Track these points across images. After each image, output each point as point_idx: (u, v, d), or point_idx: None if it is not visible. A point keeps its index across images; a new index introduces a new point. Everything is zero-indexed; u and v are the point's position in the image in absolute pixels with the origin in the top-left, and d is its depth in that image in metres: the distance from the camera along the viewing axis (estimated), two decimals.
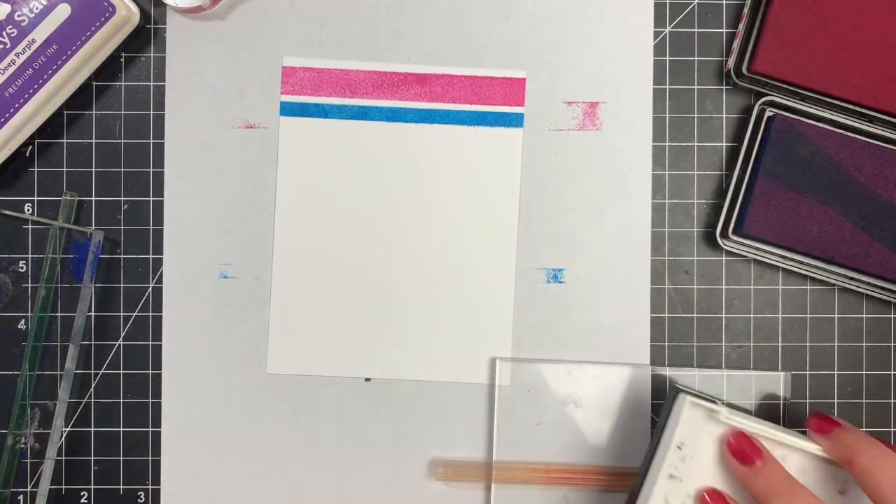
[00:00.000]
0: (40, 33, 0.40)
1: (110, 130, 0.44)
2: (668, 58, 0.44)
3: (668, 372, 0.43)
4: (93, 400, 0.43)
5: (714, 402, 0.37)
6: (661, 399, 0.43)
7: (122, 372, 0.43)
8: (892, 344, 0.44)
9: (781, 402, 0.43)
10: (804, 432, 0.38)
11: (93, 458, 0.43)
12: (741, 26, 0.43)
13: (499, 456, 0.43)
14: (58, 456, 0.43)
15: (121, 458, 0.43)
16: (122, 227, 0.43)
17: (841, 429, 0.37)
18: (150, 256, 0.43)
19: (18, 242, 0.43)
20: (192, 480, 0.43)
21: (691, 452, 0.37)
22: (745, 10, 0.43)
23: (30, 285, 0.43)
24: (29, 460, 0.43)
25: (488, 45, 0.43)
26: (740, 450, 0.36)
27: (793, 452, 0.37)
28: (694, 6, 0.44)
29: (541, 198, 0.44)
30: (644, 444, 0.43)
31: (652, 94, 0.44)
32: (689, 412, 0.37)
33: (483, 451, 0.43)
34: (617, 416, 0.43)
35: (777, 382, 0.43)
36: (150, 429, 0.43)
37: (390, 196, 0.43)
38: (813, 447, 0.36)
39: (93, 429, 0.43)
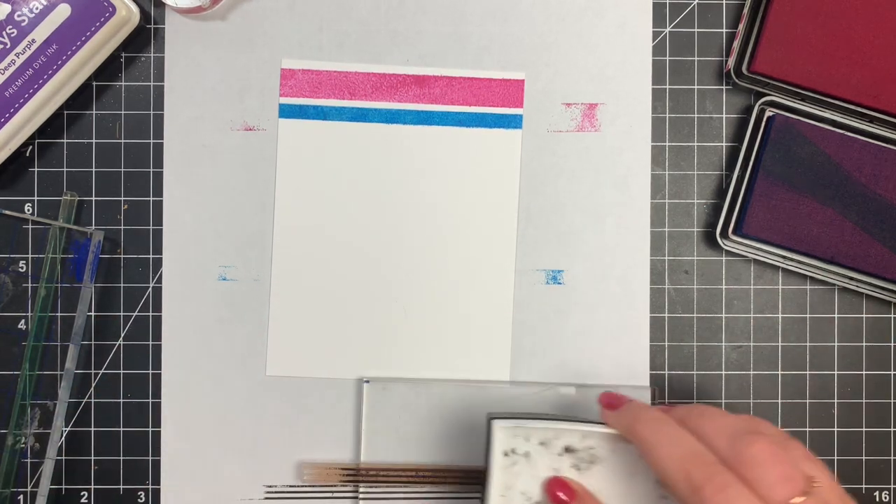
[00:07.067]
0: (40, 33, 0.40)
1: (110, 130, 0.44)
2: (667, 58, 0.44)
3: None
4: (93, 400, 0.43)
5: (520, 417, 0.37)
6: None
7: (122, 372, 0.43)
8: (892, 344, 0.44)
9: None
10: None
11: (93, 457, 0.43)
12: (741, 26, 0.43)
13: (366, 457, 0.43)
14: (58, 456, 0.43)
15: (121, 458, 0.43)
16: (122, 227, 0.43)
17: (628, 403, 0.36)
18: (150, 256, 0.43)
19: (18, 242, 0.43)
20: (192, 480, 0.43)
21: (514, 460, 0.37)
22: (745, 10, 0.43)
23: (30, 285, 0.43)
24: (29, 460, 0.43)
25: (487, 47, 0.43)
26: (553, 493, 0.36)
27: (608, 450, 0.36)
28: (694, 6, 0.44)
29: (540, 199, 0.44)
30: None
31: (651, 95, 0.44)
32: (500, 433, 0.37)
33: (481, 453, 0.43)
34: None
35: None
36: (150, 429, 0.43)
37: (389, 198, 0.43)
38: (603, 428, 0.36)
39: (93, 429, 0.43)
